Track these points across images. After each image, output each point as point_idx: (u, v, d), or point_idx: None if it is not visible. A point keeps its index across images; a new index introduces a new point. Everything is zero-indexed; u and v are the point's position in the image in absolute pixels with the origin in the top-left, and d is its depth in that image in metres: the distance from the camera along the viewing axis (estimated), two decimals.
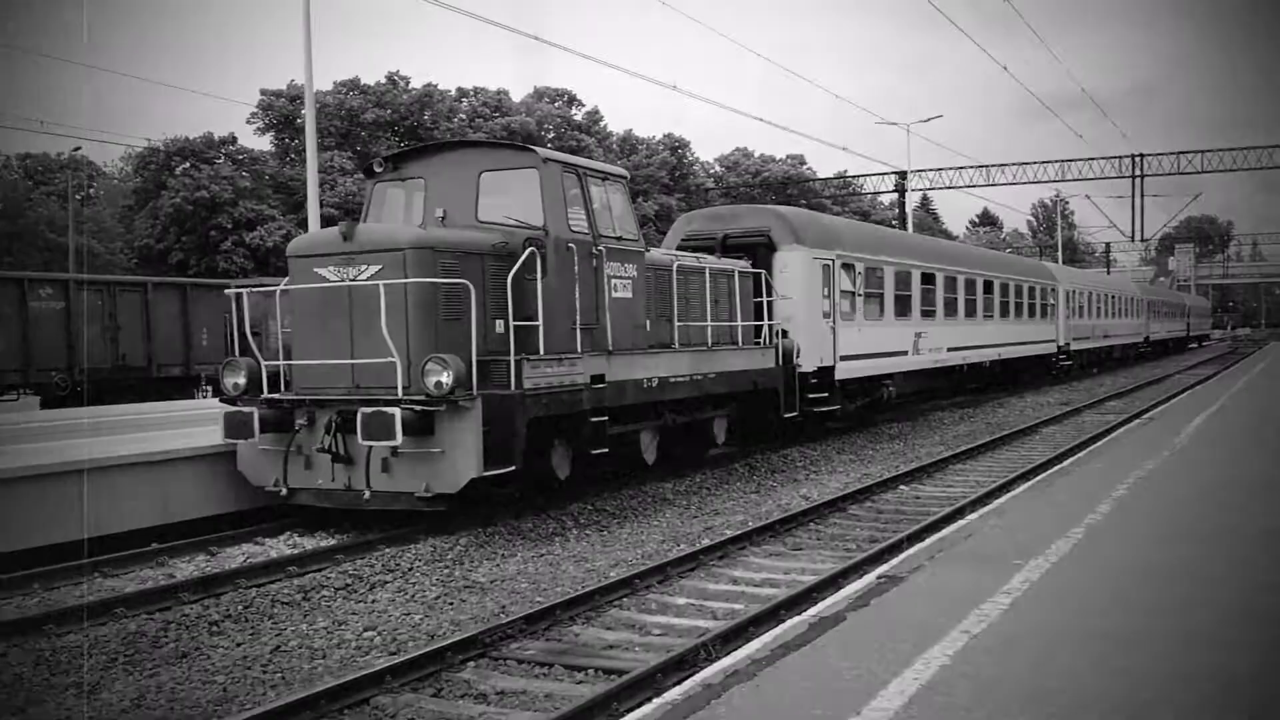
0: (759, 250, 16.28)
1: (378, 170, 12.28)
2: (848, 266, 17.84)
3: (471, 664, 6.77)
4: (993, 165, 47.24)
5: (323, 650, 7.16)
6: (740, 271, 15.18)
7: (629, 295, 12.36)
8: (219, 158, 51.51)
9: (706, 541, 9.98)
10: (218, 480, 11.01)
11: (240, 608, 8.06)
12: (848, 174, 59.86)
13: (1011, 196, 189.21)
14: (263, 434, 10.49)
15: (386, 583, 8.81)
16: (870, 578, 7.16)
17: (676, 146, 66.01)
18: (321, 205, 48.82)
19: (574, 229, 11.53)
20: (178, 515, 10.63)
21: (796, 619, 6.27)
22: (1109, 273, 70.10)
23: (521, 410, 10.38)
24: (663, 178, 62.42)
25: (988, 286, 25.45)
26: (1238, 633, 5.77)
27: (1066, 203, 75.98)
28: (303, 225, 47.09)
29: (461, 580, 8.90)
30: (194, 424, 13.43)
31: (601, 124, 63.72)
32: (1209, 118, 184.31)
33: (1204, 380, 31.42)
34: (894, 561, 7.77)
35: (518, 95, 60.64)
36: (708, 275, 14.29)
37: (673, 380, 13.02)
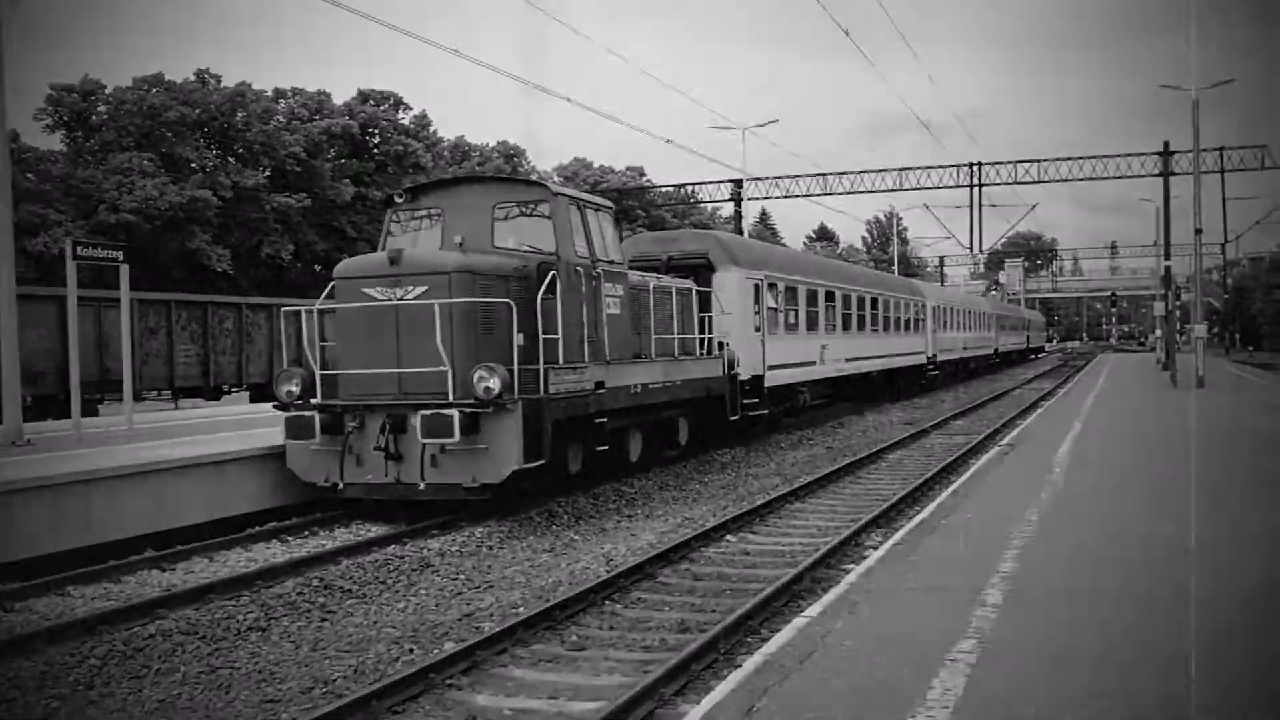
0: (700, 270, 19.93)
1: (398, 200, 15.09)
2: (772, 285, 21.84)
3: None
4: (831, 174, 50.21)
5: None
6: (696, 290, 18.81)
7: (619, 312, 15.64)
8: None
9: (451, 646, 8.02)
10: None
11: None
12: (687, 185, 64.55)
13: (849, 207, 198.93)
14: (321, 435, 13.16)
15: None
16: None
17: (511, 154, 69.19)
18: (116, 210, 49.90)
19: (579, 254, 14.70)
20: None
21: None
22: (943, 285, 78.07)
23: (550, 412, 13.46)
24: None
25: (874, 303, 30.32)
26: None
27: (900, 217, 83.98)
28: (95, 231, 47.64)
29: None
30: None
31: (431, 129, 66.08)
32: (1043, 138, 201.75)
33: (1046, 395, 34.74)
34: (696, 716, 5.73)
35: (340, 97, 62.33)
36: (674, 294, 17.82)
37: (651, 386, 16.36)
